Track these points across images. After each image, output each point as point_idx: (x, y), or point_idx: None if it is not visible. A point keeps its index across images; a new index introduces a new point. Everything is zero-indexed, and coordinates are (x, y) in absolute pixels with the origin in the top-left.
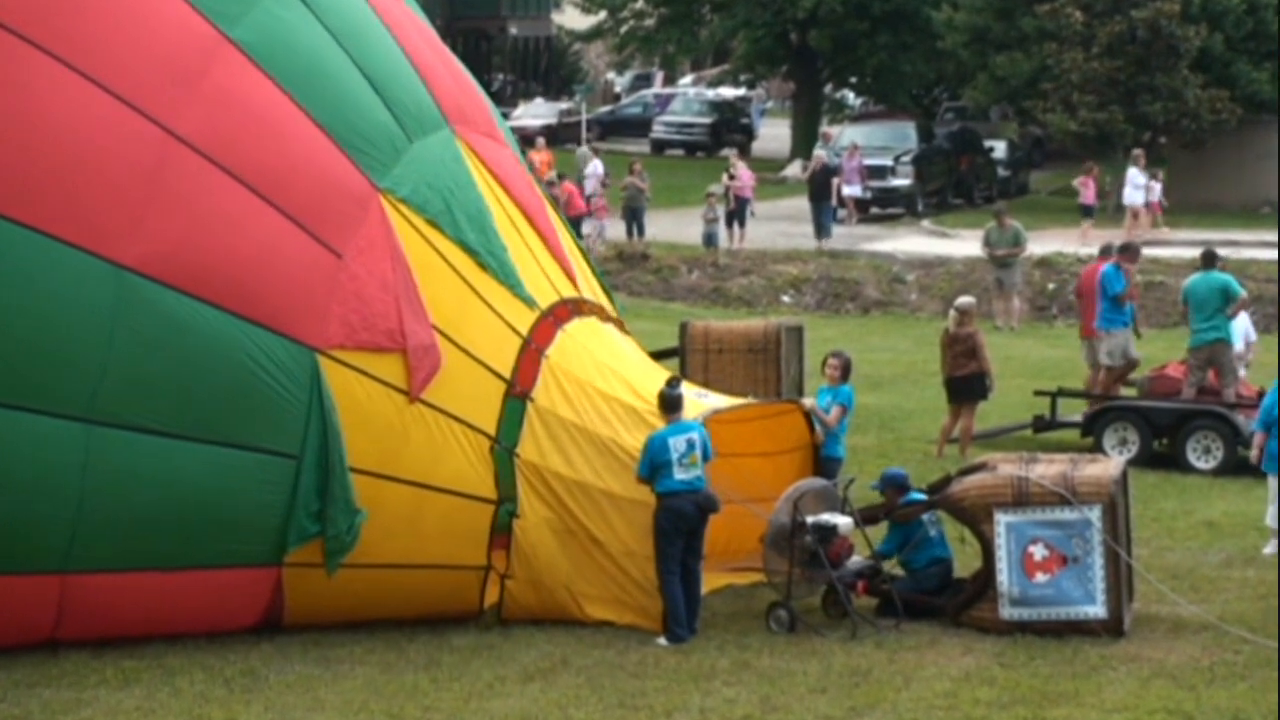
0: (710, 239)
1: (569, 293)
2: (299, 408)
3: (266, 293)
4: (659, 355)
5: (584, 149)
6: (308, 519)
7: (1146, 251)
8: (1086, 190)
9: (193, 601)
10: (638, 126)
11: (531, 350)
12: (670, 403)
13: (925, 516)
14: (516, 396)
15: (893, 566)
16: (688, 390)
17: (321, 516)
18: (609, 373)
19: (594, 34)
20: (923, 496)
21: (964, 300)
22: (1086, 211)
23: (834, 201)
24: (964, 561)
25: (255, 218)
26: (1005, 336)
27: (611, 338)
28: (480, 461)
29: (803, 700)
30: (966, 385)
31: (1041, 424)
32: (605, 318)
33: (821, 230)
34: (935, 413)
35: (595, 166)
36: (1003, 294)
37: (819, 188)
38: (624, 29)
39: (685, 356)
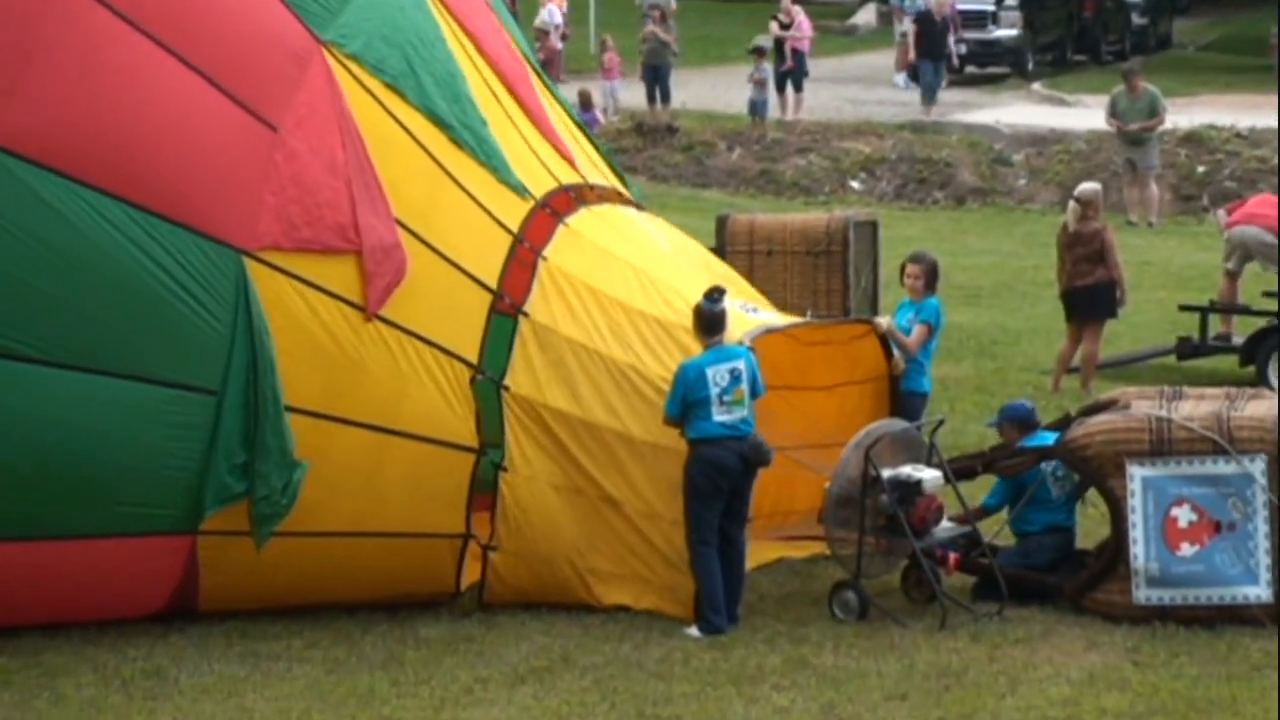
0: (756, 107)
1: (569, 178)
2: (220, 328)
3: (177, 177)
4: None
5: None
6: (231, 474)
7: None
8: None
9: (80, 581)
10: None
11: (524, 251)
12: (709, 321)
13: (1046, 468)
14: (505, 312)
15: (995, 535)
16: (733, 303)
17: (249, 470)
18: (630, 275)
19: None
20: (1050, 439)
21: (1087, 188)
22: None
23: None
24: (1086, 529)
25: (162, 78)
26: (1141, 234)
27: (634, 226)
28: (457, 397)
29: (876, 710)
30: (1091, 298)
31: (1188, 348)
32: (623, 202)
33: (929, 94)
34: (1050, 334)
35: (551, 12)
36: (1137, 179)
37: (933, 40)
38: None
39: (724, 260)
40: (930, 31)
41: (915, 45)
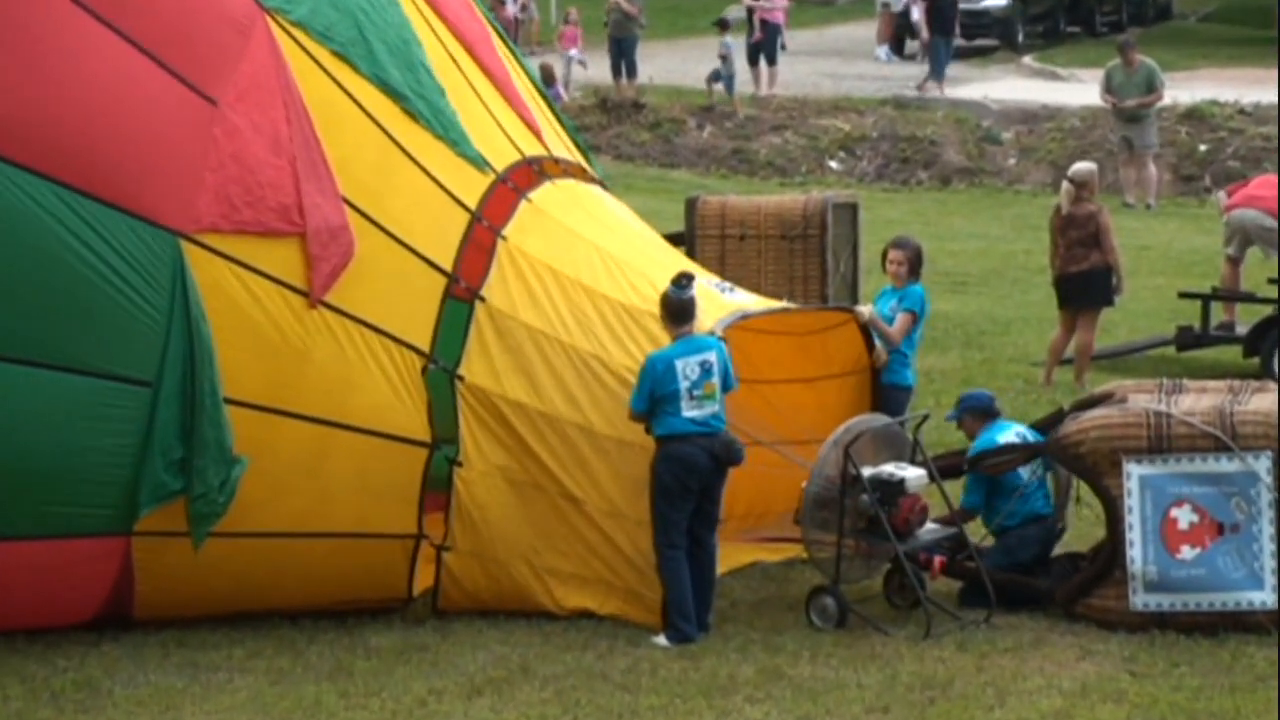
0: (721, 80)
1: (533, 149)
2: (155, 315)
3: (109, 155)
4: None
5: None
6: (167, 471)
7: None
8: None
9: (5, 587)
10: None
11: (482, 230)
12: (677, 310)
13: None
14: (460, 296)
15: (984, 538)
16: (706, 283)
17: (185, 467)
18: (595, 257)
19: None
20: (1014, 428)
21: (1081, 168)
22: None
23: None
24: (1080, 531)
25: (93, 49)
26: (1139, 217)
27: (599, 206)
28: (408, 388)
29: None
30: (1085, 285)
31: (1189, 338)
32: (587, 179)
33: (936, 71)
34: (1042, 323)
35: None
36: (1134, 159)
37: (943, 14)
38: None
39: (694, 244)
40: (941, 5)
41: (926, 21)
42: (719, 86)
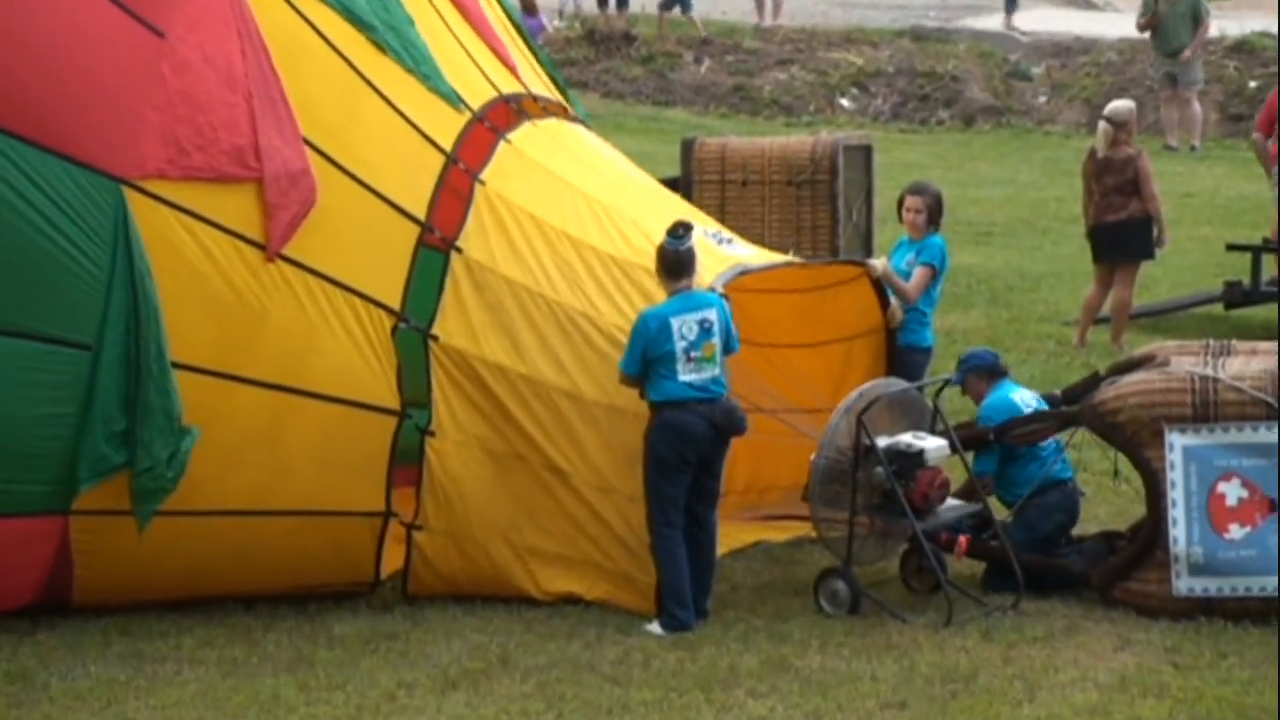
0: (676, 2)
1: (510, 87)
2: (95, 271)
3: (44, 93)
4: None
5: None
6: (109, 442)
7: None
8: None
9: None
10: None
11: (458, 173)
12: (674, 262)
13: (1023, 410)
14: (434, 246)
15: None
16: (701, 233)
17: (129, 439)
18: (583, 204)
19: None
20: (1020, 390)
21: (1119, 107)
22: None
23: None
24: (1119, 508)
25: None
26: (1182, 161)
27: (584, 147)
28: (376, 350)
29: (870, 719)
30: (1123, 236)
31: (1238, 295)
32: (569, 119)
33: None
34: (1075, 278)
35: None
36: (1177, 97)
37: None
38: None
39: (691, 191)
40: None
41: None
42: (675, 11)
